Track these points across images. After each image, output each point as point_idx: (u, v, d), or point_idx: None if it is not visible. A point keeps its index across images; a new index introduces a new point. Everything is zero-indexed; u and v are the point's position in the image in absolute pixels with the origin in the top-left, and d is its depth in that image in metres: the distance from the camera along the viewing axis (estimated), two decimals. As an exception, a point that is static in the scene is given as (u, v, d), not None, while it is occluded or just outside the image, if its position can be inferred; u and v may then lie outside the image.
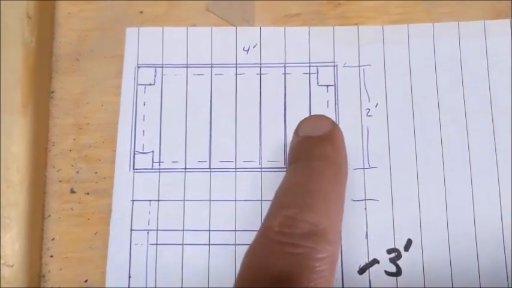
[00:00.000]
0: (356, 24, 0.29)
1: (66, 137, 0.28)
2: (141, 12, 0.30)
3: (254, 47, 0.27)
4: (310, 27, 0.28)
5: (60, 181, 0.28)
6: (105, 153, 0.28)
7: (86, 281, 0.27)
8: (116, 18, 0.30)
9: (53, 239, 0.27)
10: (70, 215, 0.28)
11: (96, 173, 0.28)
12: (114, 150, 0.28)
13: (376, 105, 0.26)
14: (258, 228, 0.25)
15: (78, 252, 0.27)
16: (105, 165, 0.28)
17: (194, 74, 0.27)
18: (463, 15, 0.29)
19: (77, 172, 0.28)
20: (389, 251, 0.25)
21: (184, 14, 0.30)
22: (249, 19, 0.29)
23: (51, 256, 0.27)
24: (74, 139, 0.28)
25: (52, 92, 0.29)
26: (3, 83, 0.27)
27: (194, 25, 0.29)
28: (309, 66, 0.27)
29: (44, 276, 0.27)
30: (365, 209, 0.25)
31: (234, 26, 0.29)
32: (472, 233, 0.25)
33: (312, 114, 0.27)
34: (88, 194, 0.28)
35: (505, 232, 0.25)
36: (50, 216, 0.28)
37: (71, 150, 0.28)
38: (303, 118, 0.24)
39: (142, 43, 0.28)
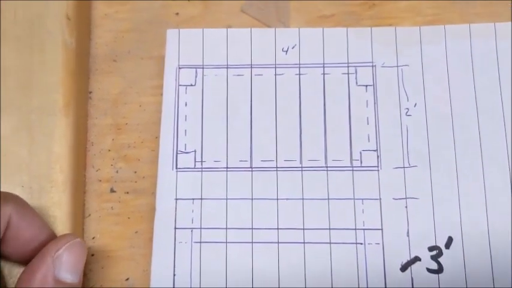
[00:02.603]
0: (390, 24, 0.29)
1: (104, 137, 0.29)
2: (177, 13, 0.30)
3: (293, 47, 0.28)
4: (348, 28, 0.28)
5: (100, 180, 0.28)
6: (144, 153, 0.28)
7: (127, 279, 0.27)
8: (152, 19, 0.30)
9: (93, 238, 0.28)
10: (110, 214, 0.28)
11: (135, 172, 0.28)
12: (153, 150, 0.28)
13: (415, 104, 0.27)
14: (299, 227, 0.26)
15: (119, 250, 0.27)
16: (144, 165, 0.28)
17: (234, 75, 0.28)
18: (494, 15, 0.29)
19: (117, 172, 0.28)
20: (430, 249, 0.25)
21: (220, 15, 0.30)
22: (284, 20, 0.29)
23: (92, 255, 0.27)
24: (113, 139, 0.29)
25: (90, 93, 0.29)
26: (45, 84, 0.27)
27: (229, 26, 0.29)
28: (348, 67, 0.27)
29: (85, 274, 0.27)
30: (406, 207, 0.26)
31: (269, 27, 0.29)
32: (510, 230, 0.25)
33: (351, 114, 0.27)
34: (128, 193, 0.28)
35: (544, 229, 0.25)
36: (90, 215, 0.28)
37: (109, 150, 0.29)
38: (58, 244, 0.23)
39: (183, 44, 0.28)
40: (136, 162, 0.28)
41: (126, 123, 0.29)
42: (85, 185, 0.28)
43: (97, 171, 0.28)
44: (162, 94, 0.28)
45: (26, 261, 0.24)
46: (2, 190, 0.24)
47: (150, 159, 0.28)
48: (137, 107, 0.29)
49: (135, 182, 0.28)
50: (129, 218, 0.28)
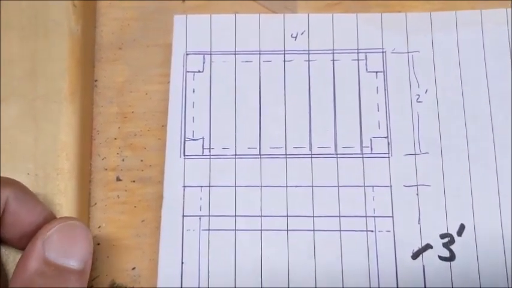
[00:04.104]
0: (398, 11, 0.29)
1: (110, 126, 0.28)
2: (183, 1, 0.30)
3: (302, 33, 0.27)
4: (358, 14, 0.28)
5: (106, 169, 0.28)
6: (151, 142, 0.28)
7: (133, 268, 0.27)
8: (158, 7, 0.30)
9: (99, 227, 0.27)
10: (116, 203, 0.27)
11: (141, 161, 0.28)
12: (160, 139, 0.28)
13: (426, 91, 0.27)
14: (309, 214, 0.25)
15: (125, 239, 0.27)
16: (150, 153, 0.28)
17: (242, 61, 0.27)
18: (505, 2, 0.29)
19: (123, 160, 0.28)
20: (442, 236, 0.25)
21: (226, 2, 0.30)
22: (291, 7, 0.29)
23: (98, 244, 0.27)
24: (119, 127, 0.28)
25: (95, 81, 0.29)
26: (51, 72, 0.27)
27: (236, 13, 0.29)
28: (357, 53, 0.27)
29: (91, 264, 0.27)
30: (417, 194, 0.25)
31: (277, 13, 0.29)
32: (525, 218, 0.25)
33: (361, 101, 0.27)
34: (134, 181, 0.28)
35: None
36: (96, 204, 0.28)
37: (116, 139, 0.28)
38: (50, 226, 0.22)
39: (191, 30, 0.28)
40: (143, 150, 0.28)
41: (132, 112, 0.29)
42: (91, 173, 0.28)
43: (103, 159, 0.28)
44: (168, 82, 0.28)
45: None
46: (7, 177, 0.24)
47: (156, 147, 0.28)
48: (143, 95, 0.29)
49: (142, 170, 0.28)
50: (135, 206, 0.27)
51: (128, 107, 0.29)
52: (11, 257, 0.25)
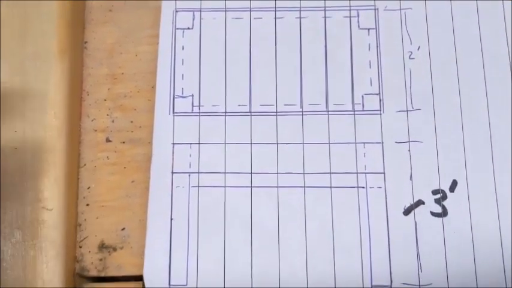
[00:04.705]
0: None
1: (100, 87, 0.28)
2: (174, -38, 0.29)
3: (294, -10, 0.27)
4: (350, -29, 0.27)
5: (96, 130, 0.28)
6: (141, 103, 0.28)
7: (123, 229, 0.26)
8: (148, -32, 0.29)
9: (88, 188, 0.27)
10: (106, 164, 0.27)
11: (131, 122, 0.28)
12: (150, 100, 0.28)
13: (418, 47, 0.26)
14: (299, 171, 0.25)
15: (114, 200, 0.27)
16: (141, 114, 0.28)
17: (233, 18, 0.27)
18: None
19: (112, 121, 0.28)
20: (434, 192, 0.25)
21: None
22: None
23: (87, 205, 0.27)
24: (109, 89, 0.28)
25: (85, 43, 0.29)
26: (40, 31, 0.27)
27: (228, -27, 0.29)
28: (350, 10, 0.27)
29: (80, 225, 0.27)
30: (409, 150, 0.25)
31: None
32: (518, 174, 0.24)
33: (353, 58, 0.26)
34: (124, 142, 0.27)
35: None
36: (85, 165, 0.27)
37: (105, 100, 0.28)
38: None
39: (180, -13, 0.27)
40: (133, 112, 0.28)
41: (122, 73, 0.28)
42: (80, 134, 0.28)
43: (92, 121, 0.28)
44: (158, 43, 0.27)
45: None
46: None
47: (146, 108, 0.28)
48: (133, 57, 0.28)
49: (132, 131, 0.27)
50: (125, 167, 0.27)
51: (117, 69, 0.28)
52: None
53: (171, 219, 0.25)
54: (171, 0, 0.27)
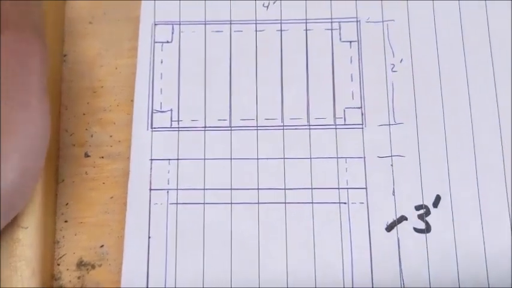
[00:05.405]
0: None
1: (79, 101, 0.28)
2: (155, -26, 0.29)
3: (274, 3, 0.27)
4: (331, -17, 0.27)
5: (74, 145, 0.27)
6: (120, 117, 0.27)
7: (101, 246, 0.26)
8: (129, -20, 0.29)
9: (67, 204, 0.26)
10: (84, 179, 0.27)
11: (111, 136, 0.27)
12: (129, 114, 0.27)
13: (401, 60, 0.26)
14: (280, 187, 0.24)
15: (93, 217, 0.26)
16: (120, 129, 0.27)
17: (213, 31, 0.27)
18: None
19: (91, 136, 0.27)
20: (417, 208, 0.24)
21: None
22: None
23: (66, 221, 0.26)
24: (88, 103, 0.28)
25: (65, 56, 0.28)
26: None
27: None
28: (331, 22, 0.26)
29: (58, 242, 0.26)
30: (391, 165, 0.25)
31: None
32: (502, 189, 0.24)
33: (334, 71, 0.26)
34: (103, 157, 0.27)
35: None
36: (63, 180, 0.27)
37: (84, 114, 0.28)
38: None
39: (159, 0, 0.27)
40: (112, 126, 0.27)
41: (102, 86, 0.28)
42: (58, 149, 0.27)
43: (71, 135, 0.27)
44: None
45: None
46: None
47: (126, 122, 0.27)
48: (113, 70, 0.28)
49: (111, 146, 0.27)
50: (104, 183, 0.27)
51: (97, 82, 0.28)
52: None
53: (149, 237, 0.24)
54: (150, 12, 0.27)
